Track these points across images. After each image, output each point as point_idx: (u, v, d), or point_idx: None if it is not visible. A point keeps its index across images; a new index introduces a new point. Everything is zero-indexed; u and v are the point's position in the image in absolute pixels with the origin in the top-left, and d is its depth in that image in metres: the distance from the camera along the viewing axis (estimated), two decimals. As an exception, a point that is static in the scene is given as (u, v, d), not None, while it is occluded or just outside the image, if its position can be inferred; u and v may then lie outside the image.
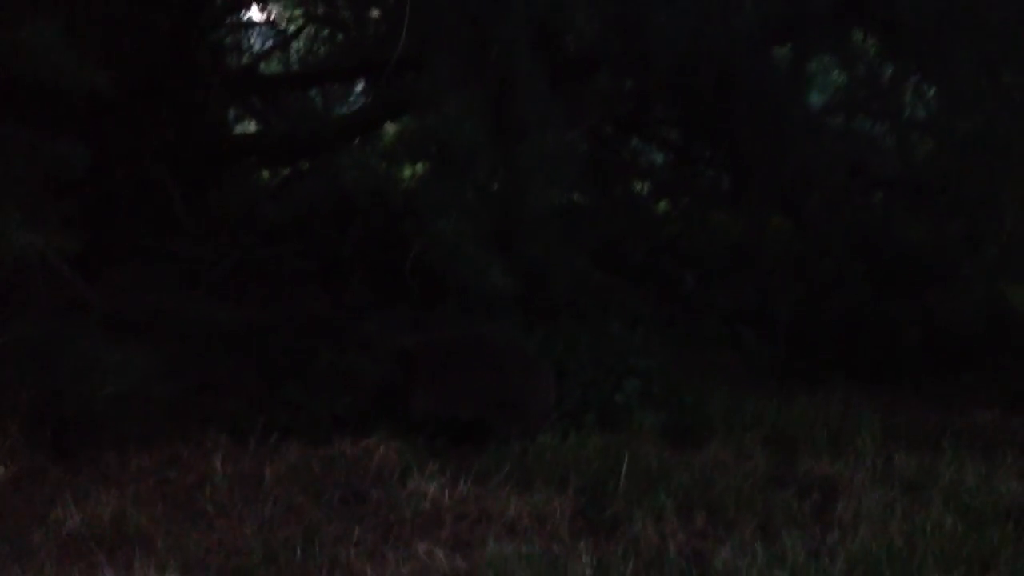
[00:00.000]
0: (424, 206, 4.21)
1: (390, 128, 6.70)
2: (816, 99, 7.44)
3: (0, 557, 3.64)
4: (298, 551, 3.64)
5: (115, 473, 4.27)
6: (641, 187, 7.79)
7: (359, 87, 8.02)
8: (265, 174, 7.36)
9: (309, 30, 8.06)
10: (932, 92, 6.59)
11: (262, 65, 7.93)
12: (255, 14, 7.97)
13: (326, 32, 7.91)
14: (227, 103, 7.08)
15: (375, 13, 6.85)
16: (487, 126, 4.23)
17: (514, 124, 4.35)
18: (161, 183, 6.14)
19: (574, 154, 4.44)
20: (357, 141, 6.50)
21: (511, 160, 4.29)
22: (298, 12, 8.10)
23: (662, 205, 7.91)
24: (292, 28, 8.15)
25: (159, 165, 6.18)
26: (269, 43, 8.21)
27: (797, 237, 6.85)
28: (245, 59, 7.73)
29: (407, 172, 6.00)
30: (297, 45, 8.26)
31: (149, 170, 6.14)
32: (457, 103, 4.13)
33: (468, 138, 4.16)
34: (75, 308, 4.95)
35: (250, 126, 7.64)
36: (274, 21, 8.14)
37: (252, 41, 8.15)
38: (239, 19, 7.65)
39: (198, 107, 6.56)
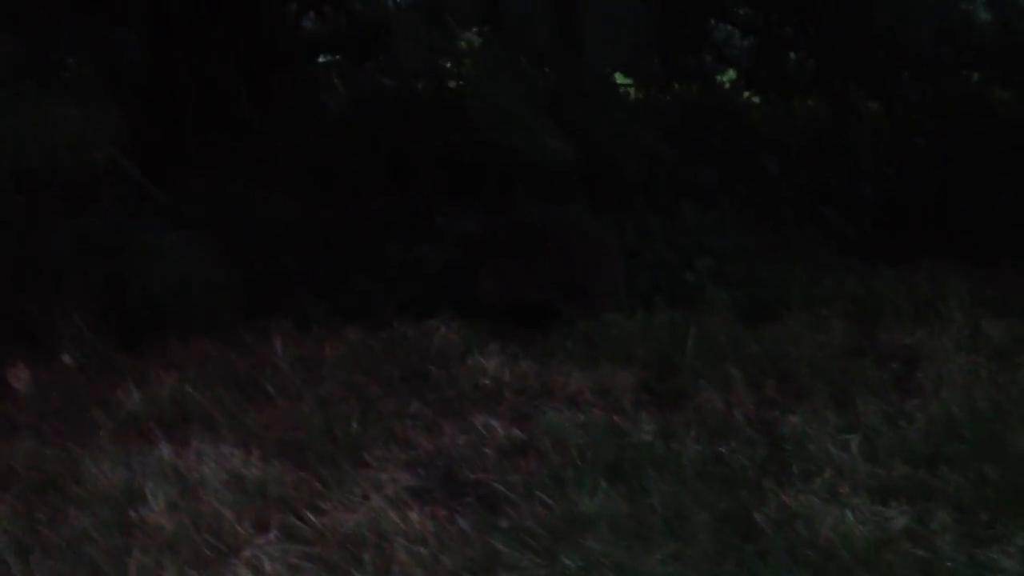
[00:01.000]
0: (478, 74, 4.04)
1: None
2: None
3: (62, 436, 3.66)
4: (354, 424, 3.58)
5: (178, 358, 4.25)
6: (721, 73, 7.49)
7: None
8: (330, 69, 7.26)
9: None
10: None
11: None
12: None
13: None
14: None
15: None
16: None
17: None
18: (227, 81, 6.11)
19: (639, 18, 4.17)
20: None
21: (570, 25, 4.08)
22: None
23: (745, 95, 7.59)
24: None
25: (225, 63, 6.13)
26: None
27: (885, 117, 6.51)
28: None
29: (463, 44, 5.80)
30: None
31: (215, 68, 6.10)
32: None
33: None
34: (142, 204, 4.96)
35: (314, 21, 7.50)
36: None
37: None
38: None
39: (263, 3, 6.48)
